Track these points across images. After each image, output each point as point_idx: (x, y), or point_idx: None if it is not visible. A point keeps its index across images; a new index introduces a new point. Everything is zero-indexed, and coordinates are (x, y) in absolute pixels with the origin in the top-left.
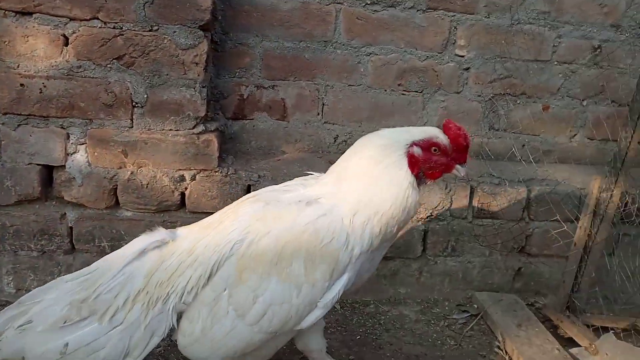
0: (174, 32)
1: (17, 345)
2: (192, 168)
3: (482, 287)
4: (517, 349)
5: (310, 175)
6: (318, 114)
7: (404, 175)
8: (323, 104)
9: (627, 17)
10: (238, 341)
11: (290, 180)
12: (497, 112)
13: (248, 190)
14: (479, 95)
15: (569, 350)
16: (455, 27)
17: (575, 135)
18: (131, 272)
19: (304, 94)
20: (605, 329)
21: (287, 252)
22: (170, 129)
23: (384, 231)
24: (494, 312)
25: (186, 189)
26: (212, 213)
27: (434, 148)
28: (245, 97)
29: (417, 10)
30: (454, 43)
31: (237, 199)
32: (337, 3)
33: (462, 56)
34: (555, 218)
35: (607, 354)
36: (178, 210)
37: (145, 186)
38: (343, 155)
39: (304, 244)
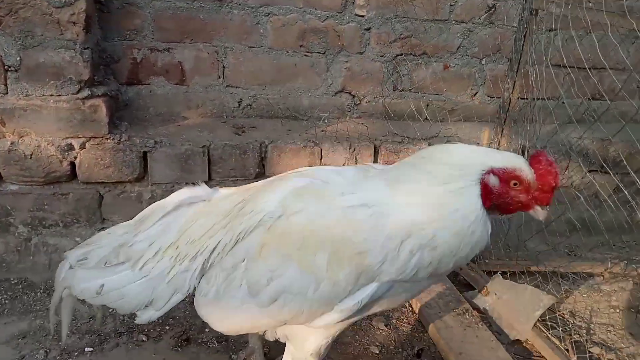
0: None
1: (69, 281)
2: (80, 135)
3: None
4: (416, 297)
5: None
6: (219, 77)
7: (474, 206)
8: (224, 67)
9: None
10: (245, 318)
11: (192, 145)
12: (400, 72)
13: (145, 157)
14: (382, 56)
15: (465, 293)
16: None
17: (476, 93)
18: (168, 224)
19: (202, 57)
20: (504, 274)
21: (313, 239)
22: (51, 94)
23: (436, 265)
24: None
25: (76, 158)
26: (107, 183)
27: (514, 182)
28: (138, 60)
29: None
30: (353, 3)
31: (133, 166)
32: None
33: (362, 16)
34: None
35: (495, 294)
36: (70, 182)
37: (29, 157)
38: (404, 160)
39: (334, 235)
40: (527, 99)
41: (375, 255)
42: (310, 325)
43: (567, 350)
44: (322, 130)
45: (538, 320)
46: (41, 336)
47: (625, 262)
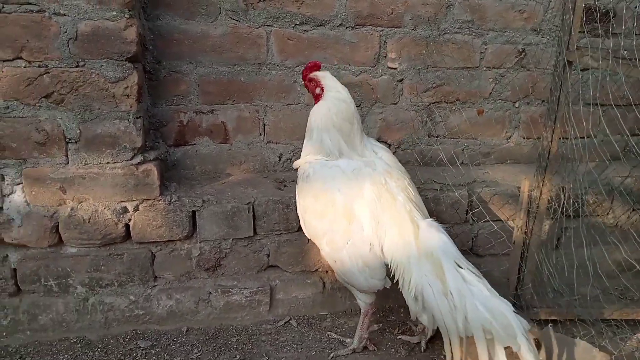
0: (102, 66)
1: None
2: (134, 199)
3: None
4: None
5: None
6: (260, 134)
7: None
8: (264, 124)
9: (546, 21)
10: None
11: (237, 202)
12: (434, 120)
13: (193, 216)
14: (415, 105)
15: None
16: (385, 41)
17: (511, 136)
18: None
19: (243, 116)
20: (555, 322)
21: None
22: (108, 162)
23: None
24: None
25: (130, 220)
26: (159, 242)
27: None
28: (185, 123)
29: (346, 28)
30: (385, 56)
31: (183, 225)
32: (267, 26)
33: (395, 68)
34: (497, 218)
35: (545, 347)
36: (124, 242)
37: (87, 221)
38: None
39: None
40: (565, 139)
41: None
42: None
43: None
44: None
45: None
46: None
47: None
